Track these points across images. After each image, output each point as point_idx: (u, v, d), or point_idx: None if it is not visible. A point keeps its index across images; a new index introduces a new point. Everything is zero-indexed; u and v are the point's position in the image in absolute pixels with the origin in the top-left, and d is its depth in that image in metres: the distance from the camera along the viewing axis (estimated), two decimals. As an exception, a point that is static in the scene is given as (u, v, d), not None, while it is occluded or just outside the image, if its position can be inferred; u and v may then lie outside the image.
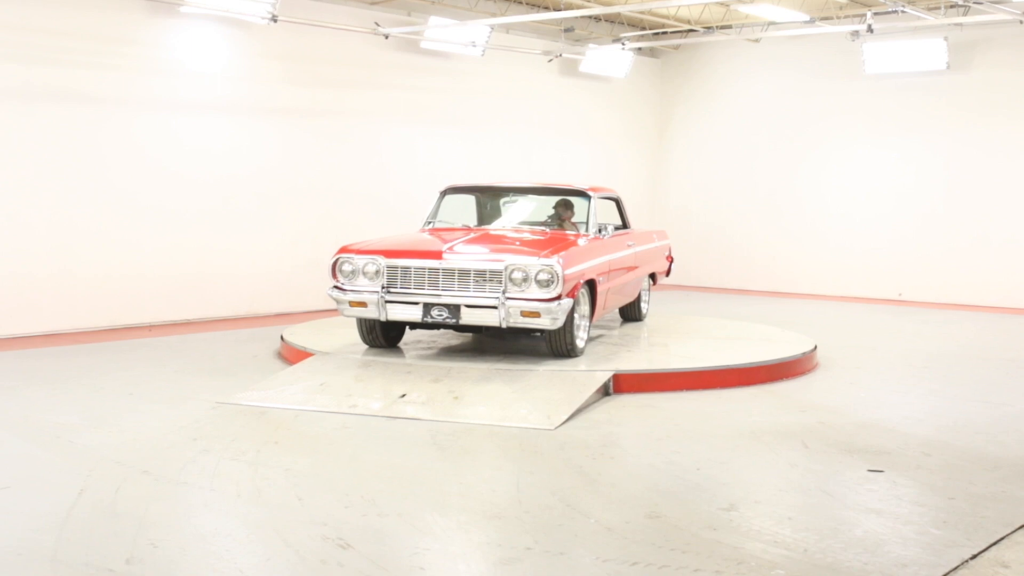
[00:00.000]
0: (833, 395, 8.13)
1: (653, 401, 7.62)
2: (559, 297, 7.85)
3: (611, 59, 15.74)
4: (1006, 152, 14.38)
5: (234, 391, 7.64)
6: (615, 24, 15.60)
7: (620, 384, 7.87)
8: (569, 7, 13.55)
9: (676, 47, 17.11)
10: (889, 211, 15.35)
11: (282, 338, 9.46)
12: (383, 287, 8.17)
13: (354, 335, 8.96)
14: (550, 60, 15.13)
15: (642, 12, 14.13)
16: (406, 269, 8.16)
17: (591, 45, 15.46)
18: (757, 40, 15.89)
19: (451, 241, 8.54)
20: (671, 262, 11.48)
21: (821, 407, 7.58)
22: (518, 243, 8.57)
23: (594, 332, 9.89)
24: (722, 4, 13.54)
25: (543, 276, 7.84)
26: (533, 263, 7.89)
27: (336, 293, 8.34)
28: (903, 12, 12.48)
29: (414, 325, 8.46)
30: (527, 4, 14.28)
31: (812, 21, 13.58)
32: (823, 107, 15.91)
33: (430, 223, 9.53)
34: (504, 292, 7.87)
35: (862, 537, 4.72)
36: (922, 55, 14.46)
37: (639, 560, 4.37)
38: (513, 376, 7.78)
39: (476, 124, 14.61)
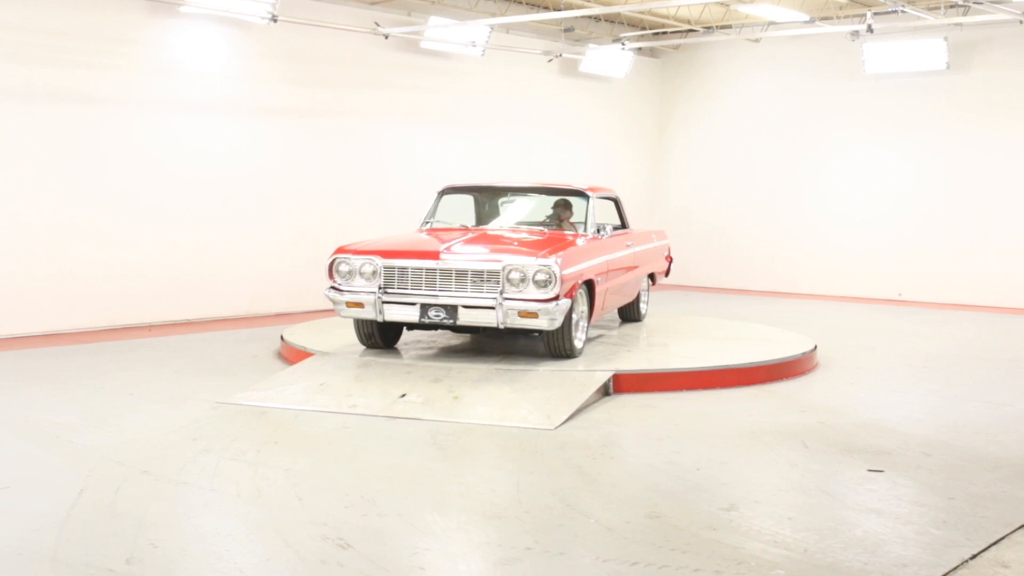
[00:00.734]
0: (833, 395, 8.13)
1: (653, 401, 7.62)
2: (557, 298, 7.80)
3: (611, 59, 15.74)
4: (1006, 152, 14.38)
5: (234, 391, 7.64)
6: (615, 24, 15.60)
7: (620, 384, 7.87)
8: (569, 7, 13.55)
9: (676, 47, 17.11)
10: (889, 211, 15.35)
11: (282, 338, 9.46)
12: (380, 288, 8.13)
13: (354, 335, 8.96)
14: (550, 60, 15.13)
15: (642, 12, 14.13)
16: (403, 269, 8.12)
17: (591, 45, 15.46)
18: (757, 40, 15.89)
19: (448, 241, 8.50)
20: (670, 262, 11.43)
21: (821, 407, 7.58)
22: (516, 243, 8.53)
23: (594, 332, 9.89)
24: (722, 4, 13.54)
25: (541, 276, 7.80)
26: (531, 263, 7.85)
27: (333, 294, 8.30)
28: (903, 12, 12.48)
29: (411, 326, 8.42)
30: (527, 4, 14.28)
31: (812, 21, 13.58)
32: (823, 107, 15.91)
33: (428, 223, 9.48)
34: (502, 292, 7.83)
35: (862, 537, 4.72)
36: (922, 55, 14.46)
37: (639, 560, 4.37)
38: (513, 376, 7.78)
39: (476, 124, 14.61)
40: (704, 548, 4.53)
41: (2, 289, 10.13)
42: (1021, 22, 12.70)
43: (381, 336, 8.73)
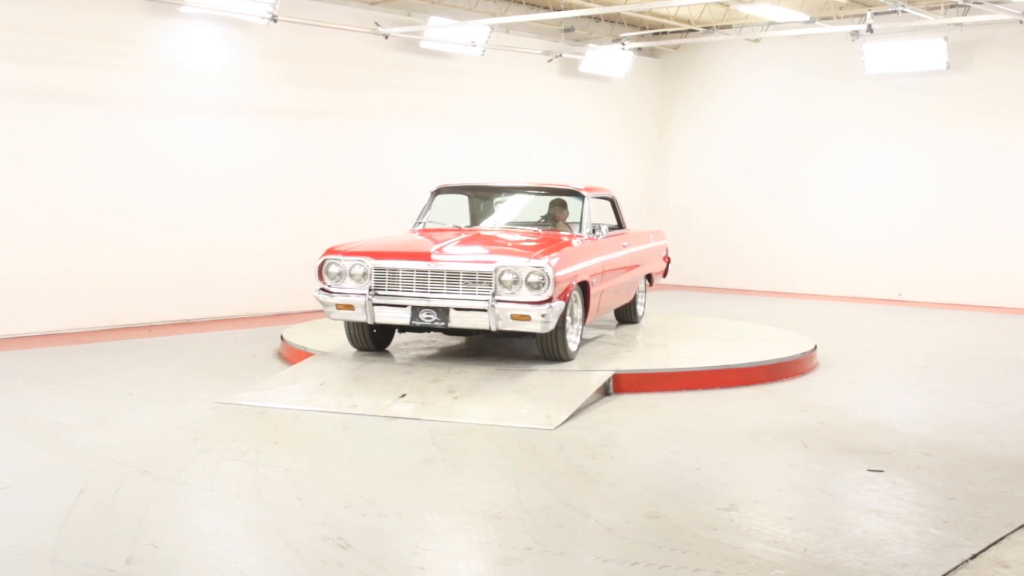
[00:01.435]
0: (833, 395, 8.13)
1: (653, 401, 7.62)
2: (550, 300, 7.66)
3: (611, 59, 15.74)
4: (1006, 152, 14.38)
5: (234, 391, 7.64)
6: (615, 24, 15.60)
7: (620, 384, 7.87)
8: (569, 7, 13.55)
9: (676, 47, 17.11)
10: (889, 211, 15.35)
11: (282, 338, 9.46)
12: (370, 289, 7.99)
13: (354, 335, 8.95)
14: (550, 60, 15.13)
15: (642, 12, 14.13)
16: (394, 271, 7.97)
17: (591, 45, 15.46)
18: (757, 40, 15.89)
19: (440, 242, 8.37)
20: (668, 263, 11.33)
21: (821, 407, 7.58)
22: (509, 244, 8.40)
23: (593, 332, 9.89)
24: (722, 4, 13.54)
25: (534, 278, 7.66)
26: (523, 265, 7.71)
27: (322, 296, 8.16)
28: (903, 12, 12.48)
29: (403, 328, 8.27)
30: (527, 4, 14.28)
31: (812, 21, 13.58)
32: (823, 107, 15.91)
33: (421, 223, 9.36)
34: (494, 295, 7.69)
35: (862, 537, 4.72)
36: (922, 55, 14.47)
37: (639, 560, 4.37)
38: (513, 376, 7.77)
39: (476, 124, 14.61)
40: (704, 548, 4.53)
41: (2, 289, 10.13)
42: (1021, 22, 12.70)
43: (372, 339, 8.61)
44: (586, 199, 9.30)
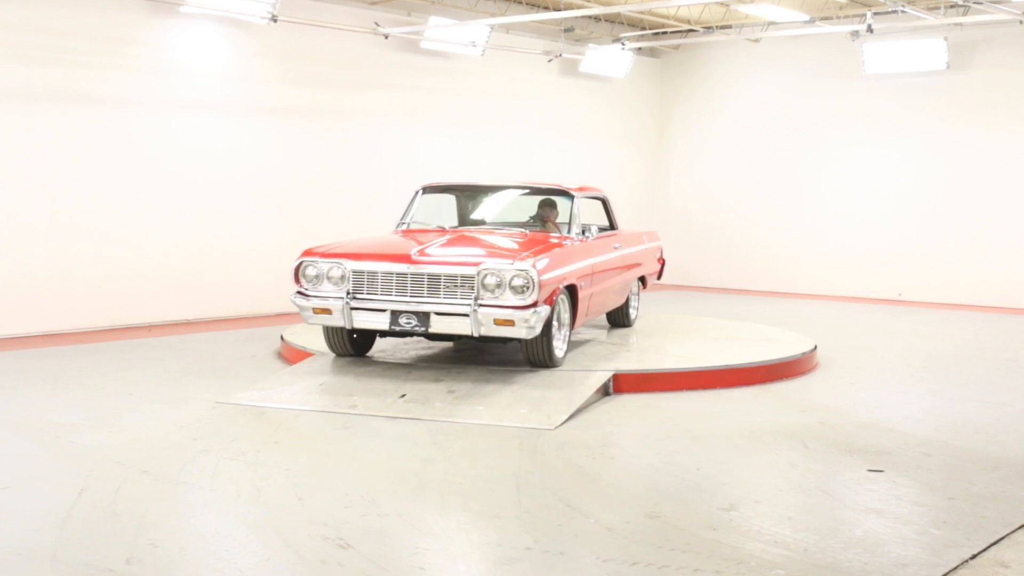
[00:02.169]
0: (833, 395, 8.13)
1: (653, 401, 7.62)
2: (535, 304, 7.35)
3: (611, 59, 15.74)
4: (1006, 152, 14.38)
5: (234, 391, 7.64)
6: (615, 24, 15.60)
7: (620, 384, 7.87)
8: (569, 7, 13.55)
9: (676, 47, 17.11)
10: (889, 211, 15.35)
11: (282, 338, 9.46)
12: (348, 293, 7.68)
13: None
14: (550, 60, 15.13)
15: (642, 12, 14.13)
16: (372, 274, 7.66)
17: (591, 45, 15.46)
18: (757, 40, 15.89)
19: (422, 243, 8.10)
20: (663, 264, 11.07)
21: (821, 407, 7.58)
22: (493, 246, 8.14)
23: (592, 333, 9.89)
24: (722, 4, 13.54)
25: (518, 281, 7.36)
26: (507, 267, 7.40)
27: (299, 299, 7.85)
28: (903, 12, 12.48)
29: (383, 333, 8.05)
30: (527, 4, 14.28)
31: (812, 21, 13.58)
32: (823, 107, 15.91)
33: (404, 223, 9.08)
34: (476, 299, 7.38)
35: (862, 537, 4.72)
36: (922, 55, 14.47)
37: (639, 560, 4.37)
38: (513, 376, 7.77)
39: (476, 124, 14.61)
40: (704, 548, 4.53)
41: (2, 289, 10.13)
42: (1021, 22, 12.70)
43: (352, 344, 8.36)
44: (575, 199, 9.03)
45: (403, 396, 7.33)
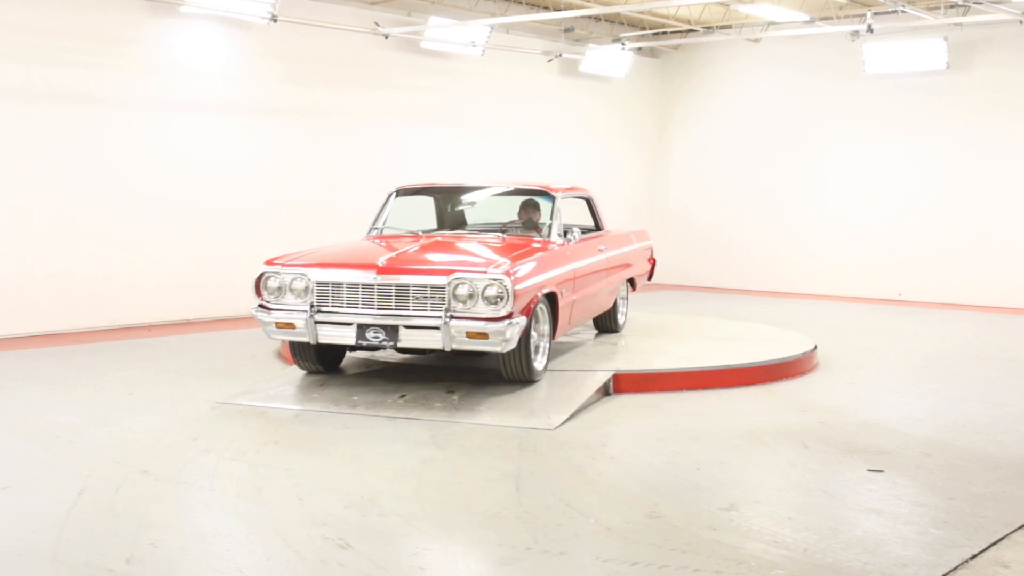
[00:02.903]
0: (833, 395, 8.13)
1: (653, 401, 7.62)
2: (510, 316, 6.90)
3: (611, 59, 15.74)
4: (1006, 152, 14.38)
5: (234, 391, 7.64)
6: (615, 24, 15.60)
7: (620, 384, 7.86)
8: (569, 7, 13.55)
9: (676, 47, 17.11)
10: (889, 211, 15.35)
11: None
12: (312, 305, 7.23)
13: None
14: (550, 60, 15.13)
15: (642, 12, 14.13)
16: (337, 285, 7.21)
17: (591, 45, 15.46)
18: (757, 40, 15.89)
19: (392, 251, 7.63)
20: (653, 264, 10.74)
21: (821, 407, 7.58)
22: (467, 252, 7.76)
23: (591, 333, 9.88)
24: (722, 4, 13.54)
25: (492, 291, 6.90)
26: (480, 278, 6.94)
27: (261, 314, 7.40)
28: (903, 12, 12.48)
29: (351, 347, 7.67)
30: (527, 4, 14.28)
31: (812, 21, 13.58)
32: (823, 107, 15.91)
33: (377, 228, 8.68)
34: (448, 310, 6.94)
35: (862, 537, 4.72)
36: (922, 55, 14.46)
37: (639, 560, 4.37)
38: (513, 376, 7.77)
39: (476, 124, 14.61)
40: (704, 548, 4.53)
41: (2, 289, 10.14)
42: (1021, 22, 12.70)
43: (319, 359, 7.90)
44: (556, 200, 8.56)
45: (403, 396, 7.33)
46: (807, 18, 13.44)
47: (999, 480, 5.72)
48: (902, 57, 14.66)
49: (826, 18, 14.11)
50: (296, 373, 8.06)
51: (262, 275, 7.45)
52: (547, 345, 7.80)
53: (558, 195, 8.64)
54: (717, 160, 17.07)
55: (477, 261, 7.35)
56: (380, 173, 13.42)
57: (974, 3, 12.50)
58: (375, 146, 13.38)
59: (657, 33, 15.81)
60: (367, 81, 13.24)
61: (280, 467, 5.73)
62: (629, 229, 10.74)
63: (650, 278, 10.81)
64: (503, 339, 6.92)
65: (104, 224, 10.85)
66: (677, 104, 17.56)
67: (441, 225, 9.05)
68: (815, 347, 9.35)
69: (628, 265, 9.88)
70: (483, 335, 6.89)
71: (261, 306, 7.45)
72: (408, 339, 7.09)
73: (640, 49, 16.39)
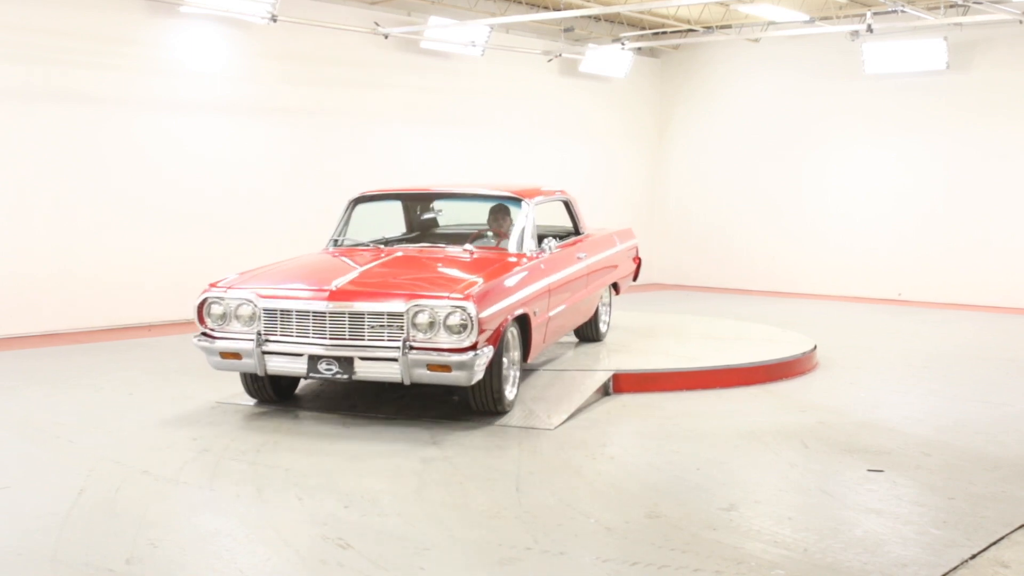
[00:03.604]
0: (833, 395, 8.13)
1: (653, 401, 7.62)
2: (475, 346, 6.26)
3: (611, 59, 15.74)
4: (1006, 152, 14.37)
5: (234, 391, 7.63)
6: (615, 24, 15.60)
7: (620, 384, 7.86)
8: (569, 7, 13.55)
9: (676, 47, 17.11)
10: (889, 211, 15.35)
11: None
12: (260, 334, 6.57)
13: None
14: (550, 60, 15.13)
15: (642, 12, 14.13)
16: (286, 312, 6.55)
17: (591, 45, 15.46)
18: (757, 40, 15.88)
19: (348, 271, 6.96)
20: (638, 264, 10.23)
21: (821, 407, 7.57)
22: (429, 271, 7.17)
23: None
24: (722, 4, 13.54)
25: (454, 320, 6.25)
26: (441, 304, 6.28)
27: (204, 342, 6.72)
28: (903, 12, 12.48)
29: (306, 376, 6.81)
30: (527, 4, 14.28)
31: (812, 21, 13.58)
32: (823, 107, 15.91)
33: (336, 241, 8.08)
34: (406, 340, 6.28)
35: (862, 537, 4.72)
36: (922, 55, 14.46)
37: (639, 560, 4.38)
38: (513, 376, 7.75)
39: (476, 124, 14.61)
40: (704, 548, 4.53)
41: (2, 289, 10.13)
42: (1021, 22, 12.70)
43: (272, 388, 7.19)
44: (526, 207, 7.81)
45: (402, 396, 7.33)
46: (807, 18, 13.44)
47: (999, 480, 5.72)
48: (902, 57, 14.66)
49: (826, 18, 14.11)
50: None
51: (204, 300, 6.76)
52: (517, 375, 7.07)
53: (529, 202, 7.90)
54: (717, 160, 17.07)
55: (439, 284, 6.64)
56: (380, 172, 13.41)
57: (974, 3, 12.49)
58: (375, 146, 13.38)
59: (657, 33, 15.81)
60: (367, 81, 13.24)
61: (280, 467, 5.73)
62: (613, 229, 10.11)
63: (635, 279, 10.35)
64: (467, 372, 6.26)
65: (104, 224, 10.85)
66: (677, 104, 17.56)
67: (410, 230, 8.60)
68: (815, 347, 9.35)
69: (612, 267, 9.40)
70: (446, 367, 6.26)
71: (204, 334, 6.77)
72: (364, 371, 6.44)
73: (640, 49, 16.38)
